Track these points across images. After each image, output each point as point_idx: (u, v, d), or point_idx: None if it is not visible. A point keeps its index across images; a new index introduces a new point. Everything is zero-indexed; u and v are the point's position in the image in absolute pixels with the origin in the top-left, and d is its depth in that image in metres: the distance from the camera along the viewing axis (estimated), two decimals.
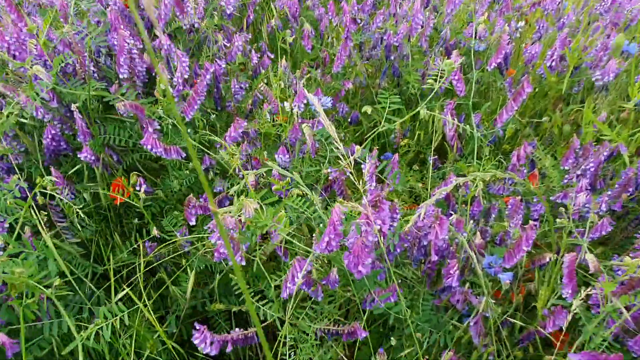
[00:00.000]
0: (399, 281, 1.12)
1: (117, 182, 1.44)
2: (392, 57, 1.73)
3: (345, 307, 1.36)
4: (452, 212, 1.25)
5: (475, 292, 1.12)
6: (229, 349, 0.93)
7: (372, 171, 1.17)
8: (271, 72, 1.39)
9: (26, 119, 1.25)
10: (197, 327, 0.91)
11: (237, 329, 0.96)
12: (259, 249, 0.97)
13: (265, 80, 1.43)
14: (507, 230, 1.22)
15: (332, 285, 0.97)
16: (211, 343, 0.90)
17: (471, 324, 1.12)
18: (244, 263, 0.96)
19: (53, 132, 1.38)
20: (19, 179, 1.28)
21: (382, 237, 0.96)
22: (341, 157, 0.82)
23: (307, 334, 1.11)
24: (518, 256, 1.03)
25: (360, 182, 1.60)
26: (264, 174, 1.13)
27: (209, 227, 0.89)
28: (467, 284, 1.18)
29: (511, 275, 1.05)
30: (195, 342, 0.90)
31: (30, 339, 1.22)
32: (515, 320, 1.11)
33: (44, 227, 1.25)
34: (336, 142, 0.82)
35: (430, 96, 1.20)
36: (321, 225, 1.08)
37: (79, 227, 1.42)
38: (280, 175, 1.08)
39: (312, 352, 1.09)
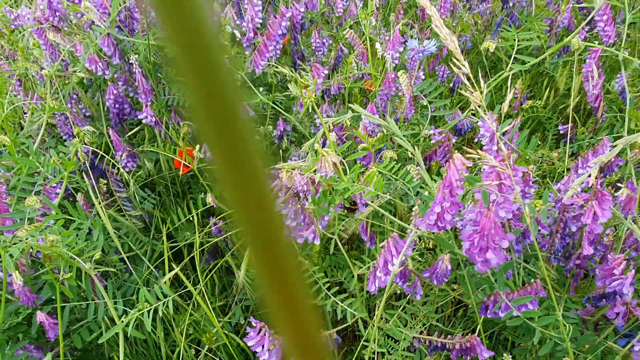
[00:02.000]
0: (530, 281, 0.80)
1: (181, 153, 1.27)
2: (511, 4, 1.38)
3: (447, 310, 1.06)
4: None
5: None
6: None
7: (493, 132, 0.86)
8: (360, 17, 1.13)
9: (83, 72, 1.10)
10: (254, 324, 0.67)
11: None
12: (338, 225, 0.71)
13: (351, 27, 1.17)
14: None
15: (439, 280, 0.69)
16: (270, 349, 0.66)
17: (636, 347, 0.78)
18: (317, 242, 0.71)
19: (115, 92, 1.24)
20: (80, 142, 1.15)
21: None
22: (473, 98, 0.53)
23: (398, 342, 0.84)
24: None
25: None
26: (349, 125, 0.87)
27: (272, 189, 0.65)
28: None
29: None
30: (249, 343, 0.67)
31: (79, 321, 1.08)
32: None
33: (99, 196, 1.10)
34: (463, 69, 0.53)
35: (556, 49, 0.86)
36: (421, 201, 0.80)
37: (139, 199, 1.27)
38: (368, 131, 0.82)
39: None
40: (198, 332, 1.17)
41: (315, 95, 0.75)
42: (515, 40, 0.90)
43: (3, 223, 0.96)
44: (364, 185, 0.63)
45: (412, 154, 0.68)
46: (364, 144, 0.76)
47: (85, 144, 0.90)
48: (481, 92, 0.53)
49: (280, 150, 1.31)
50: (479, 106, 0.54)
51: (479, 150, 0.52)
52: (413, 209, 0.75)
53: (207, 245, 1.14)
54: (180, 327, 1.12)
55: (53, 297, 1.01)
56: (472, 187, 0.58)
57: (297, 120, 1.13)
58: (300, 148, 1.22)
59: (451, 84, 1.50)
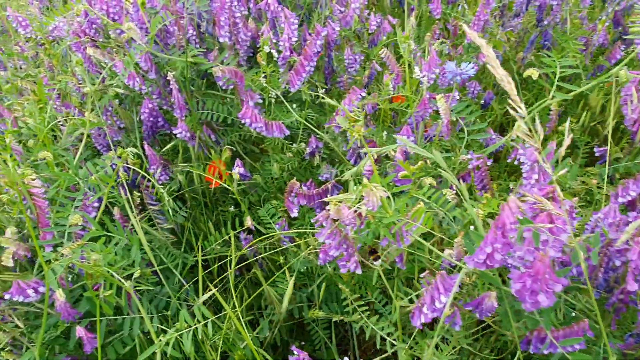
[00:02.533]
0: (572, 314, 0.79)
1: (213, 165, 1.28)
2: (545, 22, 1.37)
3: (473, 328, 1.05)
4: None
5: None
6: None
7: (535, 159, 0.85)
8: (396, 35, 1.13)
9: (121, 88, 1.12)
10: (296, 352, 0.68)
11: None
12: (381, 254, 0.71)
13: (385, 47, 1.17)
14: None
15: (483, 314, 0.68)
16: None
17: None
18: (359, 271, 0.71)
19: (150, 105, 1.26)
20: (114, 156, 1.17)
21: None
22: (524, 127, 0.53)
23: None
24: None
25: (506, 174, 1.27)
26: (390, 153, 0.88)
27: (315, 221, 0.65)
28: None
29: None
30: None
31: (113, 334, 1.10)
32: None
33: (134, 210, 1.12)
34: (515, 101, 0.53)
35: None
36: (462, 228, 0.79)
37: (171, 212, 1.29)
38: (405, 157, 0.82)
39: None
40: (227, 345, 1.18)
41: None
42: (557, 66, 0.90)
43: (44, 237, 0.98)
44: (411, 220, 0.63)
45: (456, 187, 0.68)
46: (404, 172, 0.76)
47: (127, 164, 0.92)
48: (523, 119, 0.53)
49: (311, 167, 1.32)
50: (525, 134, 0.54)
51: (535, 195, 0.52)
52: (455, 240, 0.75)
53: (243, 263, 1.15)
54: (210, 340, 1.13)
55: (89, 311, 1.03)
56: (522, 225, 0.58)
57: (330, 137, 1.13)
58: (333, 166, 1.22)
59: (482, 101, 1.49)
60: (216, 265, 1.32)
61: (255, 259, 1.26)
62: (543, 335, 0.70)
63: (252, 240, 1.27)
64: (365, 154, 0.77)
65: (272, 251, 1.20)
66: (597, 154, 1.23)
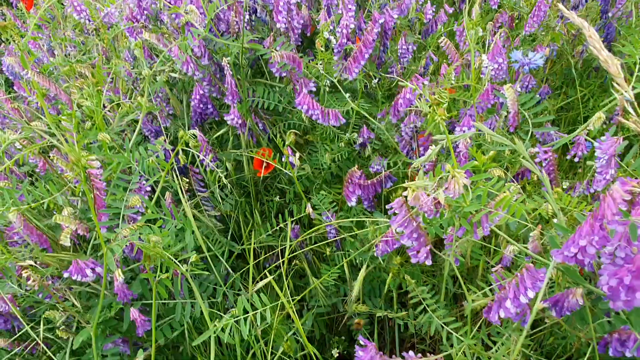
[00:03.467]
0: None
1: (261, 153, 1.27)
2: (610, 14, 1.31)
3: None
4: None
5: None
6: None
7: (612, 153, 0.81)
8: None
9: (176, 72, 1.12)
10: (363, 342, 0.66)
11: (411, 353, 0.69)
12: (454, 245, 0.68)
13: (444, 37, 1.13)
14: None
15: (561, 312, 0.65)
16: None
17: None
18: (429, 262, 0.68)
19: (201, 92, 1.25)
20: (165, 140, 1.17)
21: None
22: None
23: None
24: None
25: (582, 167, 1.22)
26: (471, 139, 0.84)
27: (390, 207, 0.63)
28: None
29: None
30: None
31: (162, 318, 1.10)
32: None
33: (184, 195, 1.11)
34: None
35: None
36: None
37: (220, 199, 1.28)
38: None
39: None
40: (269, 335, 1.16)
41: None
42: (637, 56, 0.85)
43: (99, 219, 0.98)
44: (495, 210, 0.60)
45: (539, 177, 0.64)
46: (475, 161, 0.73)
47: (188, 146, 0.91)
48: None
49: (360, 158, 1.29)
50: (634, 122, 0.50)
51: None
52: (531, 234, 0.71)
53: (291, 254, 1.13)
54: (255, 331, 1.12)
55: (142, 294, 1.03)
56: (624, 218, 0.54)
57: (384, 128, 1.11)
58: (384, 157, 1.19)
59: (537, 94, 1.44)
60: (263, 257, 1.31)
61: (302, 250, 1.25)
62: (625, 338, 0.66)
63: (300, 232, 1.26)
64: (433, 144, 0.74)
65: (321, 243, 1.18)
66: None
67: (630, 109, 0.51)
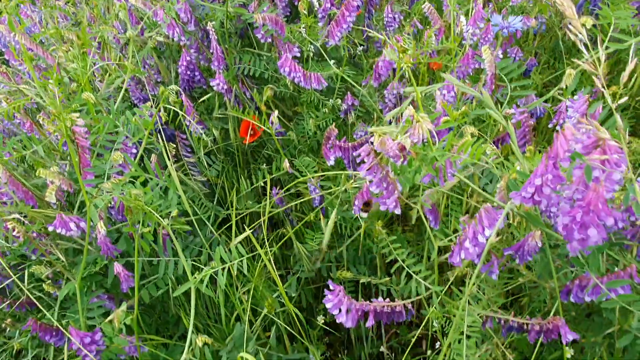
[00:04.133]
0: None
1: (248, 120, 1.28)
2: None
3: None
4: None
5: None
6: (369, 323, 0.69)
7: (584, 111, 0.83)
8: None
9: (161, 35, 1.13)
10: (332, 287, 0.68)
11: (380, 299, 0.71)
12: (420, 196, 0.70)
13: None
14: None
15: (523, 258, 0.67)
16: (347, 311, 0.66)
17: None
18: (398, 211, 0.70)
19: (188, 58, 1.27)
20: (151, 106, 1.19)
21: None
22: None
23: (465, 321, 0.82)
24: None
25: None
26: (436, 93, 0.86)
27: (357, 155, 0.65)
28: None
29: None
30: (328, 305, 0.67)
31: (147, 277, 1.13)
32: None
33: (170, 158, 1.13)
34: None
35: None
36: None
37: (206, 165, 1.30)
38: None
39: (469, 349, 0.80)
40: (256, 298, 1.19)
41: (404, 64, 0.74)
42: (612, 19, 0.86)
43: (85, 177, 1.00)
44: (458, 154, 0.61)
45: (503, 128, 0.66)
46: (447, 117, 0.75)
47: (169, 104, 0.93)
48: (598, 61, 0.50)
49: (345, 125, 1.31)
50: (596, 76, 0.51)
51: (591, 120, 0.50)
52: (499, 185, 0.73)
53: (269, 214, 1.15)
54: (239, 292, 1.15)
55: (127, 252, 1.06)
56: (574, 162, 0.56)
57: (367, 94, 1.12)
58: (367, 124, 1.21)
59: (524, 67, 1.45)
60: (248, 220, 1.34)
61: (284, 208, 1.26)
62: (585, 283, 0.68)
63: (285, 198, 1.28)
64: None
65: (301, 201, 1.20)
66: None
67: (582, 49, 0.52)
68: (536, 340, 0.71)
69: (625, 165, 0.56)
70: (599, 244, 0.56)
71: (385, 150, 0.62)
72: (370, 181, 0.68)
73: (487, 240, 0.59)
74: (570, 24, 0.52)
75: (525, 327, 0.71)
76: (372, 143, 0.64)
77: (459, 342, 0.73)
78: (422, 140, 0.62)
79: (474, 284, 0.77)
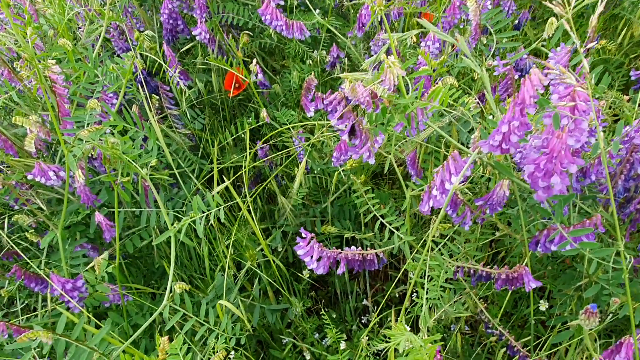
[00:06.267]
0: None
1: (232, 73, 1.26)
2: None
3: (485, 251, 1.05)
4: None
5: None
6: (340, 270, 0.70)
7: (565, 63, 0.81)
8: None
9: None
10: (304, 234, 0.69)
11: (352, 247, 0.72)
12: (394, 146, 0.70)
13: None
14: None
15: (494, 208, 0.68)
16: (319, 258, 0.67)
17: None
18: (372, 161, 0.70)
19: (170, 6, 1.23)
20: (133, 56, 1.16)
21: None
22: None
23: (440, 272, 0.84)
24: None
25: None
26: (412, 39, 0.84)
27: (329, 102, 0.64)
28: None
29: None
30: (299, 252, 0.68)
31: (132, 229, 1.14)
32: None
33: (152, 109, 1.12)
34: None
35: None
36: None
37: (189, 117, 1.29)
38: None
39: (442, 297, 0.82)
40: (239, 250, 1.21)
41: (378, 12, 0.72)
42: None
43: (64, 126, 1.00)
44: (429, 101, 0.61)
45: (477, 76, 0.65)
46: (425, 66, 0.73)
47: (145, 51, 0.91)
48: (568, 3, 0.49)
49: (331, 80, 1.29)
50: (565, 19, 0.50)
51: (558, 65, 0.49)
52: (473, 136, 0.73)
53: (254, 167, 1.15)
54: (222, 245, 1.16)
55: (109, 203, 1.06)
56: (543, 111, 0.55)
57: (352, 45, 1.10)
58: None
59: (516, 21, 1.41)
60: (232, 174, 1.33)
61: (267, 158, 1.26)
62: (551, 233, 0.69)
63: (269, 154, 1.28)
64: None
65: (285, 152, 1.19)
66: (633, 78, 1.17)
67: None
68: (506, 290, 0.73)
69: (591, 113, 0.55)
70: (564, 194, 0.56)
71: (356, 96, 0.61)
72: (343, 129, 0.67)
73: (452, 185, 0.59)
74: None
75: (492, 276, 0.72)
76: (342, 90, 0.63)
77: (424, 288, 0.75)
78: (394, 87, 0.61)
79: (444, 235, 0.78)
